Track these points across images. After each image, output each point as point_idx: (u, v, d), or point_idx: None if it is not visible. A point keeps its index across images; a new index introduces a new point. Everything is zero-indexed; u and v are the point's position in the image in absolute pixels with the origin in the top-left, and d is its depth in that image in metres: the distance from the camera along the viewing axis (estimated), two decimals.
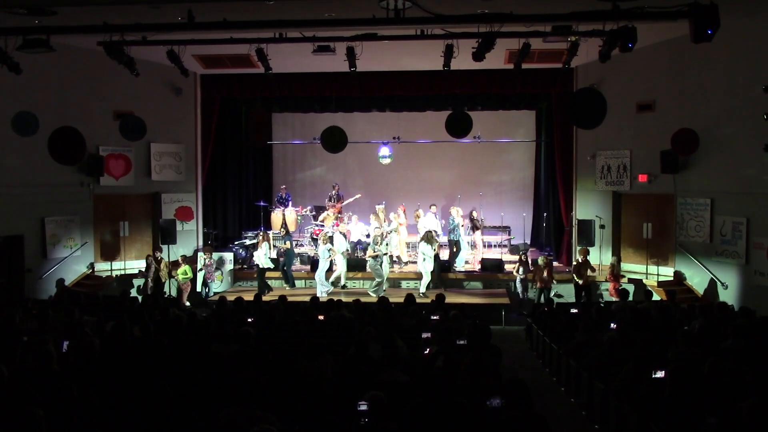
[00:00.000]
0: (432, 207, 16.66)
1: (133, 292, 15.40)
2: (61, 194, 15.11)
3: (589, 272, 14.20)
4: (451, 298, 13.83)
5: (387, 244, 14.95)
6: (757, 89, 12.16)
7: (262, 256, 15.05)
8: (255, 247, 15.26)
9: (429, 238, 14.33)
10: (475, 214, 16.62)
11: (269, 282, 15.47)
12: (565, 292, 15.27)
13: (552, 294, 14.83)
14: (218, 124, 18.02)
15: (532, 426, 4.59)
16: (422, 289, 14.30)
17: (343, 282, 15.06)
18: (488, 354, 7.06)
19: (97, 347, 7.00)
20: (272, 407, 5.27)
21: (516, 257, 15.61)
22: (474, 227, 16.61)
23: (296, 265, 16.73)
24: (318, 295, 13.51)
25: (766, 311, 10.72)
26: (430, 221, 16.15)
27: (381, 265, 14.38)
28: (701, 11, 8.70)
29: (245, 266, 16.61)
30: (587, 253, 14.41)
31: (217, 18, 10.27)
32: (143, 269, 15.57)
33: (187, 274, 15.10)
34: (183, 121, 17.34)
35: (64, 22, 10.82)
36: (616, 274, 14.41)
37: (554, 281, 14.71)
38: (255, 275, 15.59)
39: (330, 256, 14.92)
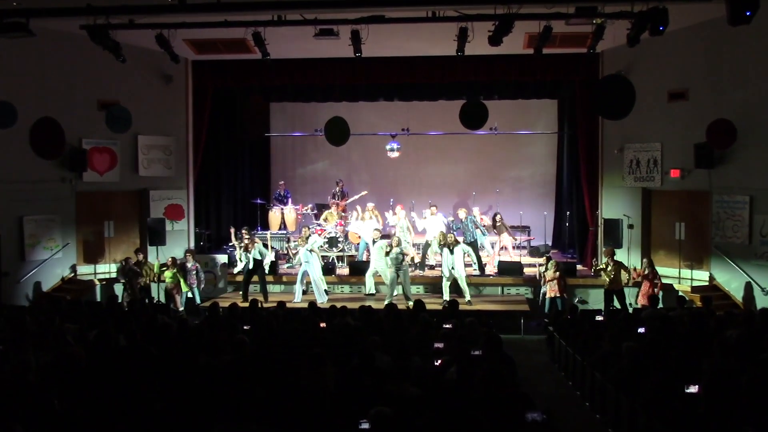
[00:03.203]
0: (432, 208, 16.66)
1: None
2: (41, 191, 15.15)
3: (623, 275, 14.10)
4: (466, 305, 13.88)
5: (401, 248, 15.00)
6: None
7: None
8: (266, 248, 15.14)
9: (447, 242, 14.31)
10: (498, 217, 16.63)
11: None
12: (591, 298, 15.24)
13: (575, 300, 14.79)
14: (211, 114, 18.02)
15: None
16: (467, 297, 14.37)
17: (324, 287, 15.04)
18: (502, 365, 7.04)
19: (79, 357, 7.02)
20: (270, 422, 5.28)
21: (539, 260, 15.57)
22: (493, 228, 16.61)
23: (296, 268, 16.75)
24: (318, 302, 13.54)
25: None
26: (436, 222, 16.18)
27: (402, 270, 14.42)
28: None
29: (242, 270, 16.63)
30: (613, 253, 14.33)
31: None
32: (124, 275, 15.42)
33: (173, 277, 15.06)
34: (173, 112, 17.37)
35: (44, 4, 10.89)
36: (650, 276, 14.15)
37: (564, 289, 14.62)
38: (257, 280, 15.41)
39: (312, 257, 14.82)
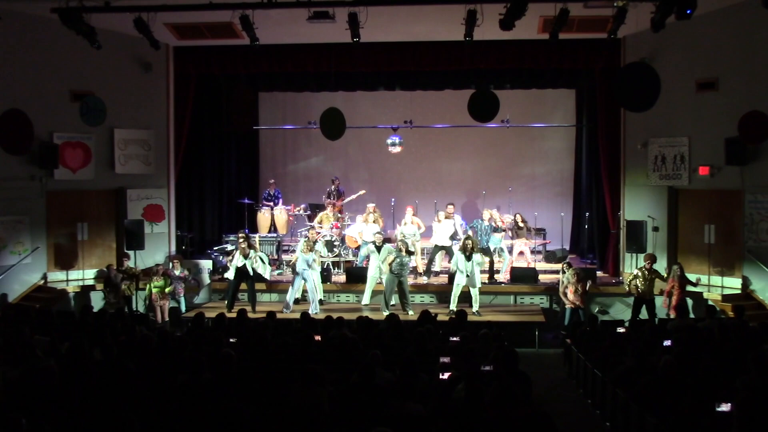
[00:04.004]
0: (449, 207, 16.61)
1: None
2: (8, 190, 15.14)
3: (657, 284, 14.07)
4: (473, 315, 13.90)
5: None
6: None
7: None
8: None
9: (466, 246, 14.31)
10: (519, 218, 16.61)
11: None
12: (612, 307, 15.24)
13: (595, 311, 14.80)
14: (194, 106, 18.05)
15: None
16: (475, 307, 14.43)
17: (320, 296, 15.06)
18: (516, 382, 7.05)
19: (50, 372, 7.02)
20: None
21: (555, 265, 15.56)
22: (516, 233, 16.60)
23: (285, 274, 16.73)
24: (310, 313, 13.54)
25: None
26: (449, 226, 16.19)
27: (403, 279, 14.46)
28: None
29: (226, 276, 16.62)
30: (654, 260, 14.32)
31: None
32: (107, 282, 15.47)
33: (162, 287, 15.01)
34: (152, 103, 17.36)
35: None
36: (681, 284, 14.13)
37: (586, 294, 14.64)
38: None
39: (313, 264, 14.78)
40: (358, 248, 16.88)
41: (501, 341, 10.03)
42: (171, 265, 15.63)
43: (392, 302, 14.53)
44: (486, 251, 15.81)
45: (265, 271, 15.10)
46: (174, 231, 17.90)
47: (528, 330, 14.00)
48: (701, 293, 14.76)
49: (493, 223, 16.09)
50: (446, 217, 16.19)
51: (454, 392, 7.01)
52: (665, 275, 14.20)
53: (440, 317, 12.19)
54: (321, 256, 15.22)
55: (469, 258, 14.17)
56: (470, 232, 15.81)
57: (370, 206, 17.02)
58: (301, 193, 20.11)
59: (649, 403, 7.58)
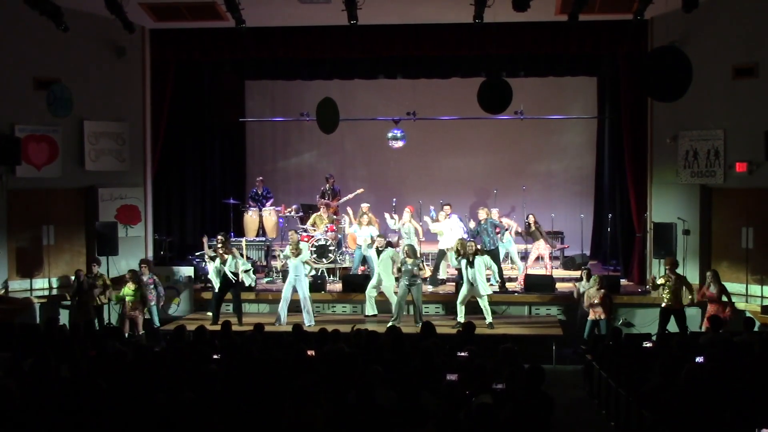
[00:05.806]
0: (446, 207, 16.59)
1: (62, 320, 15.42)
2: None
3: (685, 293, 14.03)
4: (486, 328, 13.92)
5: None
6: None
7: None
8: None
9: (463, 249, 14.27)
10: (532, 218, 16.58)
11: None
12: (638, 320, 15.21)
13: (619, 323, 14.78)
14: (174, 95, 17.98)
15: None
16: (488, 319, 14.34)
17: (309, 307, 14.99)
18: (536, 404, 7.03)
19: (10, 391, 6.99)
20: None
21: (575, 273, 15.52)
22: (527, 235, 16.59)
23: (276, 283, 16.70)
24: (305, 324, 13.52)
25: None
26: (452, 227, 16.17)
27: (415, 287, 14.47)
28: None
29: (209, 284, 16.59)
30: (676, 264, 14.26)
31: None
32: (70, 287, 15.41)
33: (134, 295, 14.98)
34: (127, 92, 17.32)
35: None
36: (717, 294, 14.06)
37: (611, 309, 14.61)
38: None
39: (310, 271, 14.76)
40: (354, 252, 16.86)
41: (515, 357, 10.01)
42: (140, 270, 15.52)
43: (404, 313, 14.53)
44: (493, 253, 15.67)
45: (248, 280, 15.05)
46: (151, 234, 17.83)
47: (544, 344, 13.98)
48: (737, 303, 14.73)
49: (492, 219, 16.02)
50: (445, 216, 16.36)
51: (461, 414, 6.99)
52: (707, 281, 14.09)
53: (446, 330, 12.19)
54: (308, 261, 15.13)
55: (471, 263, 14.11)
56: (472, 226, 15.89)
57: (364, 206, 16.97)
58: (292, 193, 20.12)
59: (679, 425, 7.55)
